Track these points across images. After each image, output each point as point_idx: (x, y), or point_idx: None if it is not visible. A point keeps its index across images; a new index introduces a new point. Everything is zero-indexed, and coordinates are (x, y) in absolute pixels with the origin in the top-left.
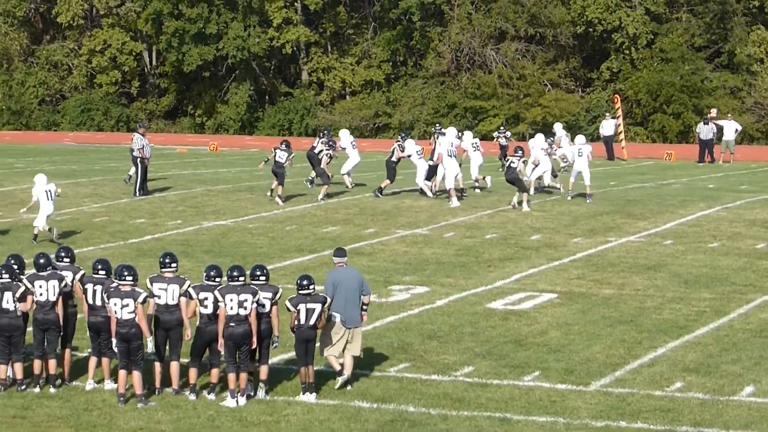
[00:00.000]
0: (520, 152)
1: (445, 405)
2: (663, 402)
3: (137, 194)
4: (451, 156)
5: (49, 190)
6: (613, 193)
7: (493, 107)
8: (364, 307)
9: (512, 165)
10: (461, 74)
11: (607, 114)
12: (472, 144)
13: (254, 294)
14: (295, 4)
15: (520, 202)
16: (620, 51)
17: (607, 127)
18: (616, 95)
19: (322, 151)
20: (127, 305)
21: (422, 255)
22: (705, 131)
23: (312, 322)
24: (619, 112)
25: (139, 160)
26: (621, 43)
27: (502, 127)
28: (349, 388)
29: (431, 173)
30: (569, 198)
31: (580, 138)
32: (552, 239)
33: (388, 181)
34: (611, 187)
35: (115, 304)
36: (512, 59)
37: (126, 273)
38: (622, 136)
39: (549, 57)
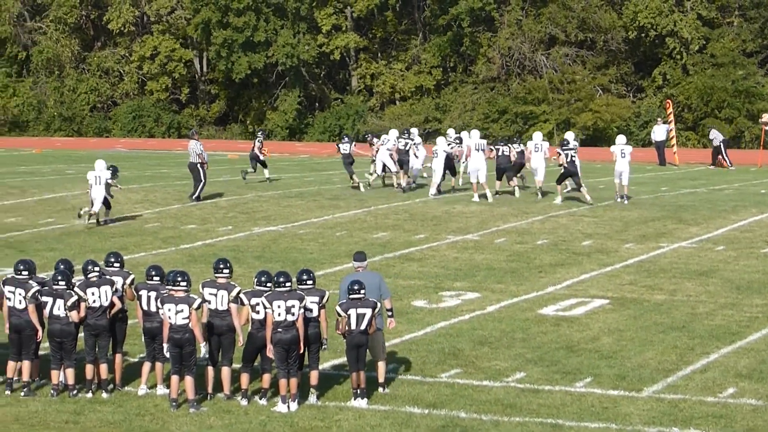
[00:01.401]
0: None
1: (496, 411)
2: (715, 408)
3: (197, 199)
4: (478, 150)
5: (99, 176)
6: (665, 198)
7: (543, 112)
8: (389, 312)
9: (573, 159)
10: (511, 79)
11: (659, 119)
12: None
13: (301, 299)
14: (345, 10)
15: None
16: (672, 56)
17: (658, 132)
18: (668, 100)
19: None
20: (181, 311)
21: (473, 261)
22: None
23: (363, 327)
24: (671, 117)
25: (199, 165)
26: (673, 48)
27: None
28: (384, 391)
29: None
30: (617, 200)
31: (621, 138)
32: (604, 245)
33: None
34: (663, 193)
35: (169, 310)
36: (562, 64)
37: (180, 278)
38: (673, 141)
39: (600, 62)
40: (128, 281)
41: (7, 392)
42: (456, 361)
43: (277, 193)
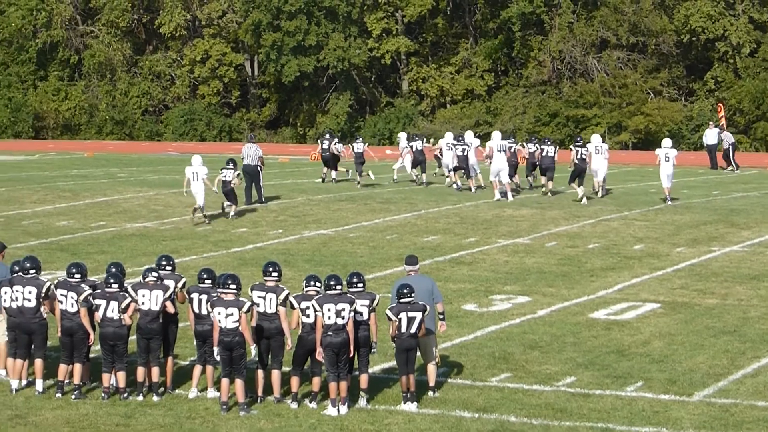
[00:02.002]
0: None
1: (546, 415)
2: (767, 413)
3: (261, 200)
4: (500, 151)
5: (196, 173)
6: (717, 202)
7: (595, 116)
8: (441, 315)
9: (583, 157)
10: (563, 83)
11: (711, 123)
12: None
13: (351, 303)
14: (395, 14)
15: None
16: (723, 60)
17: (710, 136)
18: (720, 104)
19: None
20: (231, 314)
21: (524, 264)
22: None
23: (413, 330)
24: (723, 121)
25: (259, 167)
26: (724, 51)
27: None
28: (433, 394)
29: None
30: (668, 203)
31: (667, 141)
32: (655, 249)
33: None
34: (714, 197)
35: (219, 313)
36: (614, 68)
37: (230, 282)
38: (725, 144)
39: (651, 65)
40: (180, 284)
41: (58, 395)
42: (506, 365)
43: (328, 196)
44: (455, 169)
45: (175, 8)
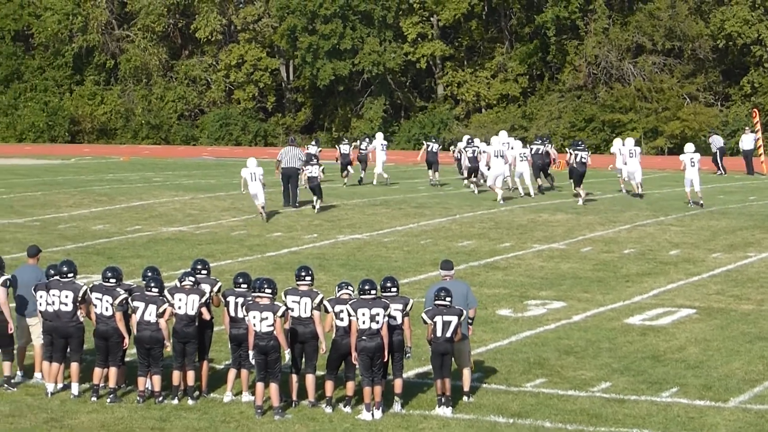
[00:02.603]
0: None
1: (581, 421)
2: None
3: (295, 204)
4: (497, 156)
5: (253, 173)
6: (753, 207)
7: (630, 120)
8: (470, 320)
9: (583, 161)
10: (598, 87)
11: (747, 128)
12: (520, 154)
13: (386, 308)
14: (431, 19)
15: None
16: (760, 64)
17: (746, 141)
18: (755, 109)
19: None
20: (266, 318)
21: (559, 270)
22: None
23: (448, 334)
24: (758, 127)
25: (299, 171)
26: (760, 56)
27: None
28: (469, 400)
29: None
30: (694, 206)
31: (690, 146)
32: (691, 254)
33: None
34: (751, 202)
35: (254, 317)
36: (650, 72)
37: (266, 286)
38: (761, 150)
39: (687, 70)
40: (216, 288)
41: (93, 398)
42: (541, 371)
43: (362, 201)
44: (469, 172)
45: (211, 13)
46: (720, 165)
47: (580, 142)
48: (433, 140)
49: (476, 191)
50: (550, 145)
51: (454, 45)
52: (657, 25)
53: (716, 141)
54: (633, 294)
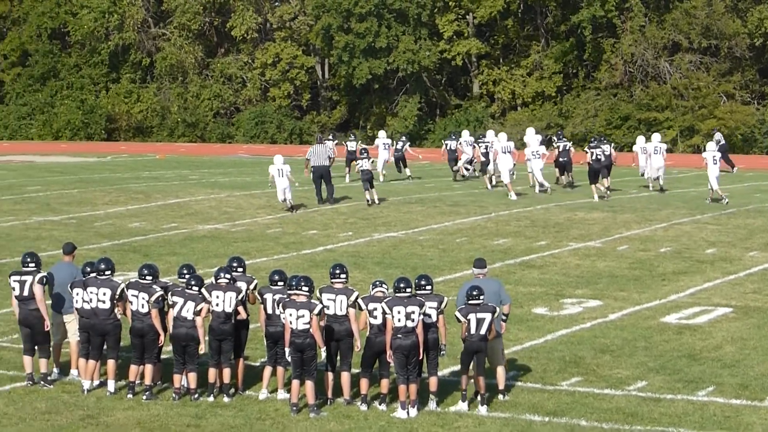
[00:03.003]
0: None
1: (617, 419)
2: None
3: (331, 201)
4: (505, 153)
5: (280, 169)
6: None
7: (667, 119)
8: (504, 316)
9: (598, 158)
10: (634, 86)
11: None
12: (533, 152)
13: (421, 306)
14: (466, 17)
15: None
16: None
17: None
18: None
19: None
20: (302, 316)
21: (595, 268)
22: None
23: (482, 331)
24: None
25: (329, 168)
26: None
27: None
28: (504, 398)
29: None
30: (707, 202)
31: (711, 145)
32: (728, 253)
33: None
34: None
35: (290, 315)
36: (686, 71)
37: (303, 284)
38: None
39: (724, 68)
40: (251, 286)
41: (129, 395)
42: (577, 369)
43: (398, 199)
44: (482, 167)
45: (247, 11)
46: (729, 162)
47: (594, 140)
48: (453, 137)
49: (489, 187)
50: (568, 144)
51: (489, 43)
52: (693, 23)
53: (720, 139)
54: (669, 293)
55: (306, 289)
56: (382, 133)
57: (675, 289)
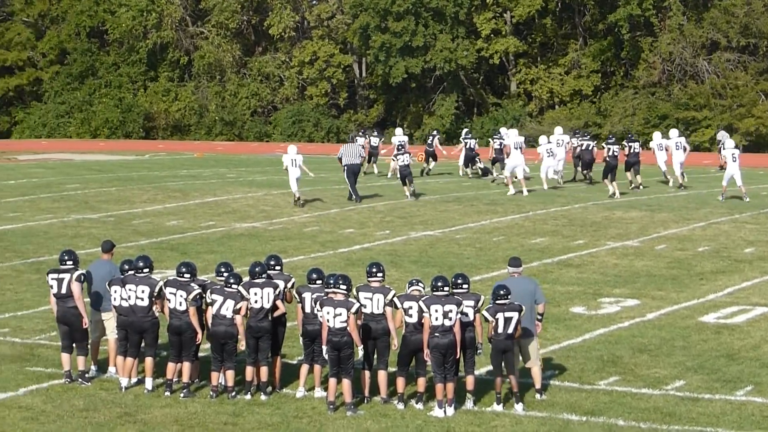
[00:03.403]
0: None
1: (655, 419)
2: None
3: (358, 199)
4: (517, 148)
5: (294, 159)
6: None
7: (705, 118)
8: (539, 316)
9: (615, 154)
10: (673, 84)
11: None
12: (547, 150)
13: (458, 304)
14: (504, 15)
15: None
16: None
17: None
18: None
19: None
20: (339, 314)
21: (633, 267)
22: None
23: (510, 331)
24: None
25: (361, 166)
26: None
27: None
28: (541, 397)
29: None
30: (721, 199)
31: (731, 143)
32: (766, 252)
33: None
34: None
35: (327, 313)
36: (725, 69)
37: (341, 282)
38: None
39: (762, 67)
40: (289, 284)
41: (167, 393)
42: (615, 369)
43: (435, 197)
44: (493, 162)
45: (285, 9)
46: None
47: (611, 137)
48: (470, 135)
49: (493, 181)
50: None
51: (527, 41)
52: (732, 21)
53: (723, 136)
54: (707, 292)
55: (344, 287)
56: (399, 131)
57: (713, 289)
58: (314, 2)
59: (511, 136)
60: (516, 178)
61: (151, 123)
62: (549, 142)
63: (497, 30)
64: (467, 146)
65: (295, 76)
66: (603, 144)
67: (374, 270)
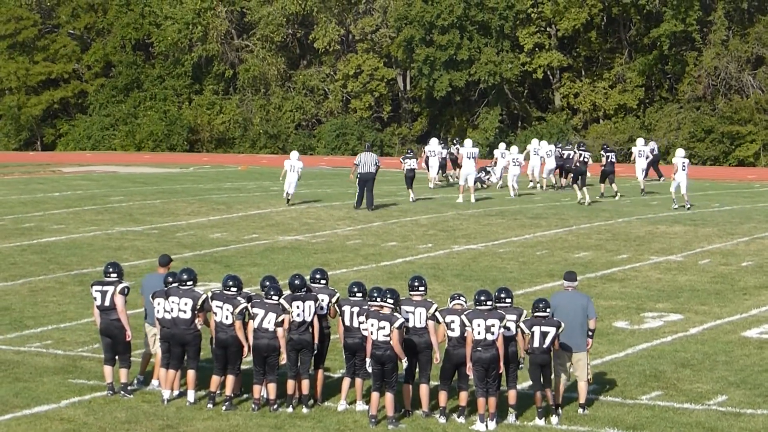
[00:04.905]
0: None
1: None
2: None
3: (371, 207)
4: (469, 158)
5: (293, 165)
6: None
7: (749, 132)
8: (590, 332)
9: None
10: (717, 99)
11: None
12: (513, 160)
13: (501, 319)
14: (548, 29)
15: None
16: None
17: None
18: None
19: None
20: (383, 327)
21: (676, 282)
22: None
23: (546, 345)
24: None
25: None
26: None
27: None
28: (583, 412)
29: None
30: (674, 206)
31: (681, 151)
32: None
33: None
34: None
35: (372, 325)
36: None
37: (388, 296)
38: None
39: None
40: (334, 299)
41: (209, 406)
42: (657, 383)
43: (478, 211)
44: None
45: (330, 23)
46: (656, 170)
47: (582, 144)
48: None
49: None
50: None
51: (572, 55)
52: None
53: (655, 147)
54: (750, 307)
55: (391, 301)
56: (433, 141)
57: (756, 304)
58: (359, 16)
59: (465, 146)
60: (468, 185)
61: (195, 136)
62: (522, 152)
63: (541, 44)
64: (442, 155)
65: (339, 90)
66: (601, 152)
67: (416, 284)
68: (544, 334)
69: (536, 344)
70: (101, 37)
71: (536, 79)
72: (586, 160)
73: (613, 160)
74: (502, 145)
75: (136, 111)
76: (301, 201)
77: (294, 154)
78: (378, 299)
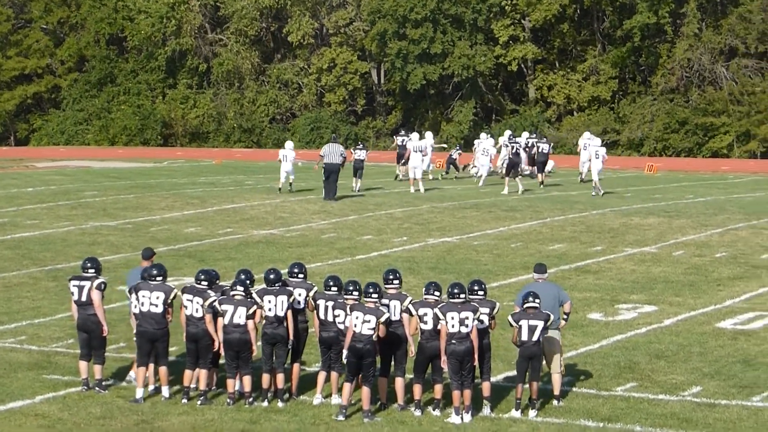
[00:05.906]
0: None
1: (672, 425)
2: None
3: (334, 197)
4: (416, 151)
5: (286, 156)
6: None
7: (723, 124)
8: (564, 315)
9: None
10: (691, 91)
11: None
12: (482, 150)
13: (475, 311)
14: (522, 21)
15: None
16: None
17: None
18: None
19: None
20: (368, 321)
21: (650, 273)
22: None
23: (535, 338)
24: None
25: (341, 166)
26: None
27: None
28: (558, 403)
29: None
30: (594, 194)
31: (597, 140)
32: None
33: None
34: None
35: (356, 317)
36: (742, 76)
37: (371, 290)
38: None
39: None
40: (311, 293)
41: (184, 401)
42: (632, 375)
43: (453, 204)
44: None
45: (303, 17)
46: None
47: (512, 135)
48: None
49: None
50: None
51: (545, 47)
52: (750, 27)
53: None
54: (724, 298)
55: (376, 296)
56: (414, 136)
57: (730, 295)
58: (332, 9)
59: (413, 140)
60: (415, 178)
61: (169, 130)
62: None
63: (515, 37)
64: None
65: (313, 83)
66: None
67: (391, 277)
68: (532, 328)
69: (524, 338)
70: (74, 32)
71: (510, 71)
72: (518, 151)
73: (546, 150)
74: (483, 135)
75: (110, 105)
76: (278, 196)
77: (289, 144)
78: (354, 293)
